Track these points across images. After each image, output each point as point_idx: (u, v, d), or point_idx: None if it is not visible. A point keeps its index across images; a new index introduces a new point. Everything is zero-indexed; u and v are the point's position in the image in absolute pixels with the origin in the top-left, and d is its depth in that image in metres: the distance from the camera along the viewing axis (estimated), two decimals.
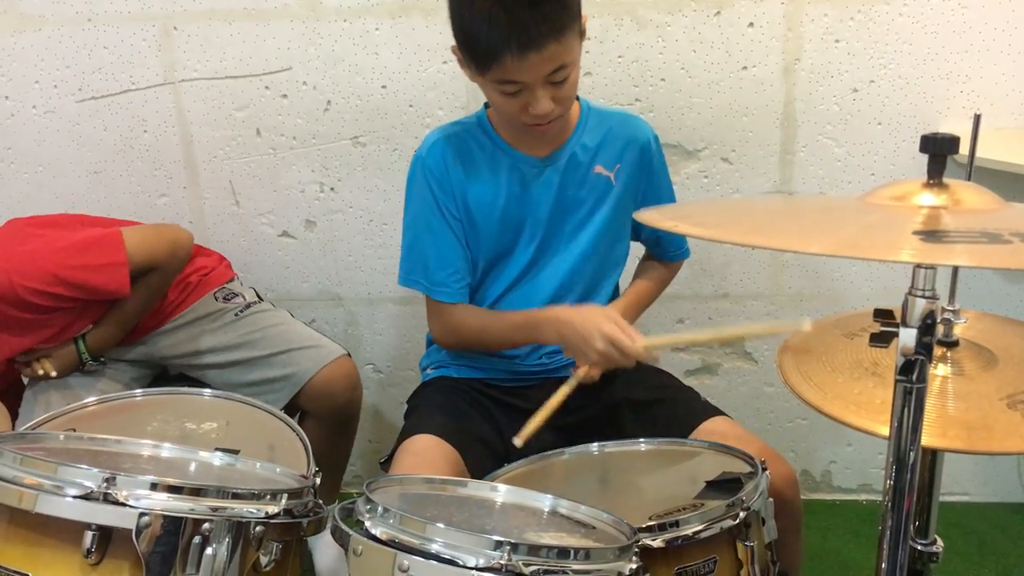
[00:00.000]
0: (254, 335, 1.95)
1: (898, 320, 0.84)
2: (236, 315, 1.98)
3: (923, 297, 0.81)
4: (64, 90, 2.12)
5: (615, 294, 1.76)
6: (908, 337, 0.82)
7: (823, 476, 2.34)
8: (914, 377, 0.83)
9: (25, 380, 1.92)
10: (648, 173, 1.69)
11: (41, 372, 1.85)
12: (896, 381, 0.85)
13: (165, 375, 2.02)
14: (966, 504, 2.27)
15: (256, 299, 2.05)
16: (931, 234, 0.72)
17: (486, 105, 1.66)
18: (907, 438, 0.87)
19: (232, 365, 1.93)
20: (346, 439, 2.04)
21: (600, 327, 1.45)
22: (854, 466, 2.32)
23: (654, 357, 1.51)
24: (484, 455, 1.54)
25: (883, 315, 0.86)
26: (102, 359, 1.91)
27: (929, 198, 0.84)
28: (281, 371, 1.89)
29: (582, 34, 1.49)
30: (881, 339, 0.84)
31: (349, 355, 1.94)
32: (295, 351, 1.91)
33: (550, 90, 1.46)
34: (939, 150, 0.82)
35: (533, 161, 1.62)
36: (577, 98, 1.66)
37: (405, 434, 1.55)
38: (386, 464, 1.55)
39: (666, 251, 1.79)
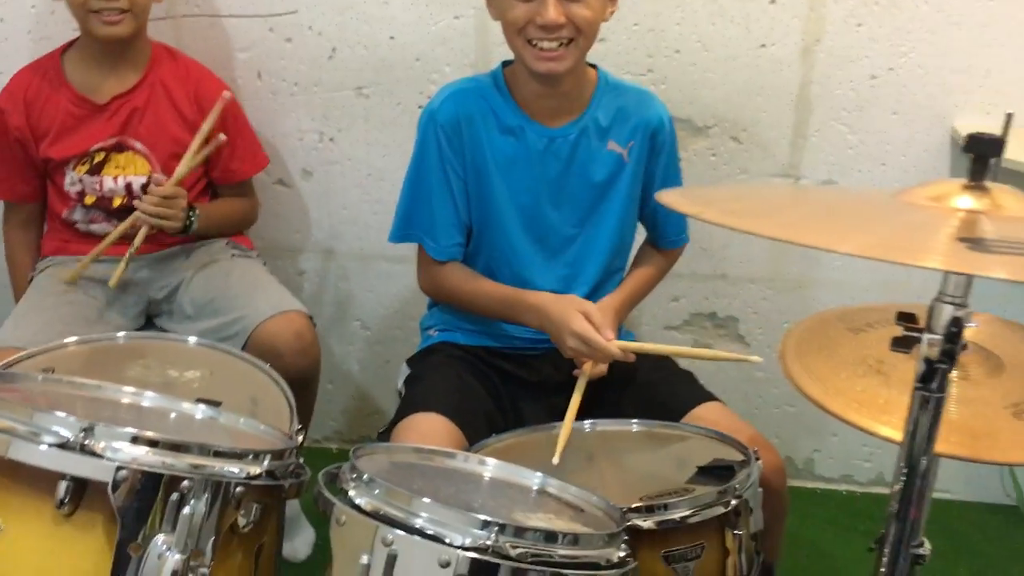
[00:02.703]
0: (231, 277, 1.89)
1: (922, 325, 0.81)
2: (231, 256, 1.96)
3: (952, 304, 0.78)
4: (60, 16, 2.03)
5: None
6: (932, 344, 0.79)
7: (805, 464, 2.33)
8: (934, 386, 0.80)
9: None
10: (658, 154, 1.66)
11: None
12: (915, 389, 0.82)
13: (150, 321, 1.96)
14: (947, 502, 2.27)
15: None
16: (970, 241, 0.69)
17: (503, 64, 1.63)
18: (920, 447, 0.84)
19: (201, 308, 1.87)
20: (300, 407, 1.77)
21: (570, 323, 1.46)
22: (838, 456, 2.31)
23: (628, 358, 1.50)
24: (486, 432, 1.51)
25: (906, 319, 0.82)
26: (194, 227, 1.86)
27: (968, 201, 0.80)
28: (235, 315, 1.79)
29: None
30: (904, 344, 0.81)
31: (310, 317, 1.81)
32: (255, 294, 1.83)
33: (563, 2, 1.45)
34: (984, 151, 0.78)
35: (545, 131, 1.59)
36: (596, 68, 1.64)
37: (408, 407, 1.51)
38: (385, 435, 1.52)
39: (665, 236, 1.74)
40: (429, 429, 1.45)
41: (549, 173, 1.60)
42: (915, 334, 0.80)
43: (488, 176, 1.60)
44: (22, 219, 1.97)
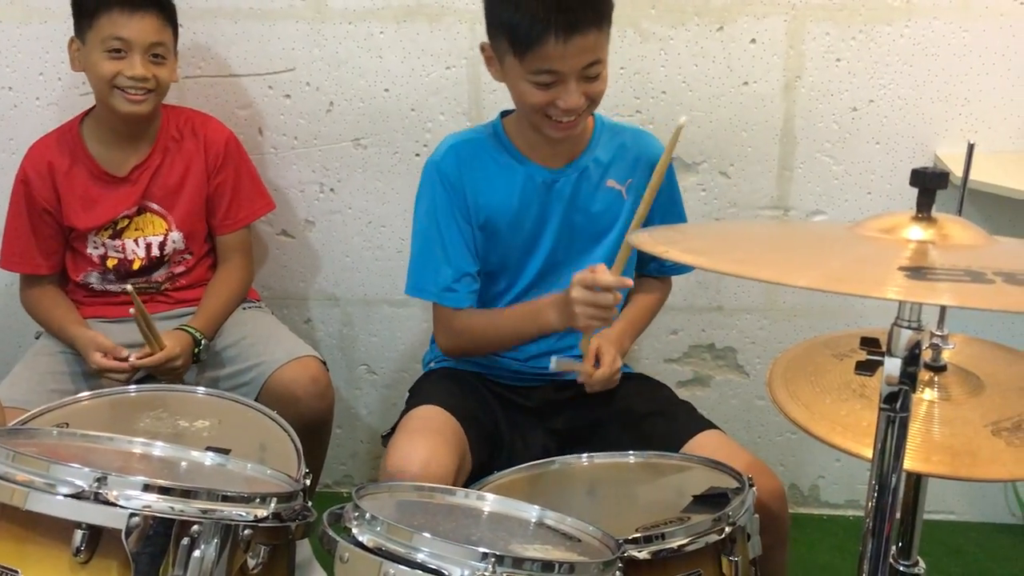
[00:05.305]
0: (245, 327, 1.95)
1: (884, 349, 0.85)
2: (242, 310, 2.01)
3: (908, 328, 0.83)
4: (68, 83, 2.13)
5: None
6: (893, 367, 0.83)
7: (811, 491, 2.35)
8: (897, 406, 0.84)
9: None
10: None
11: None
12: (880, 409, 0.86)
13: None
14: (952, 523, 2.28)
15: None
16: (917, 271, 0.73)
17: (501, 115, 1.69)
18: (889, 464, 0.88)
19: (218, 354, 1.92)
20: (313, 450, 1.84)
21: (572, 278, 1.48)
22: (842, 481, 2.33)
23: (624, 281, 1.49)
24: (481, 440, 1.56)
25: (869, 343, 0.87)
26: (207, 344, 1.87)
27: (917, 232, 0.85)
28: (251, 363, 1.85)
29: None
30: (866, 367, 0.86)
31: (323, 362, 1.88)
32: (269, 342, 1.89)
33: (583, 85, 1.48)
34: (929, 184, 0.83)
35: (546, 172, 1.64)
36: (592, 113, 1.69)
37: (410, 407, 1.58)
38: (389, 436, 1.56)
39: (663, 265, 1.80)
40: (433, 415, 1.52)
41: (552, 213, 1.65)
42: (877, 358, 0.84)
43: (492, 221, 1.64)
44: (41, 285, 1.96)
